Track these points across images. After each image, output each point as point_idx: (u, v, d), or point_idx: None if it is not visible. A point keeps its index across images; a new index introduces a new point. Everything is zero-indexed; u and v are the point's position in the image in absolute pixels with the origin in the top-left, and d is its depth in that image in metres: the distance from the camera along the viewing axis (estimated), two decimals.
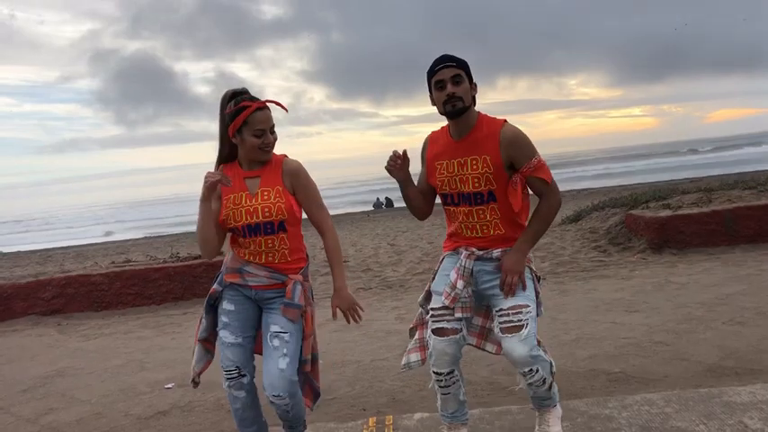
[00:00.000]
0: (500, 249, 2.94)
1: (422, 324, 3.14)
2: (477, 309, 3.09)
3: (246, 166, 2.91)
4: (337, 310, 2.98)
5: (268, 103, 2.84)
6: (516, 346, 2.78)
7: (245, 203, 2.85)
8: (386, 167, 3.02)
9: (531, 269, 3.00)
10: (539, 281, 3.05)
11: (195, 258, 9.03)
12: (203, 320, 3.03)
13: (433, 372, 2.98)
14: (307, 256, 3.03)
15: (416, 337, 3.15)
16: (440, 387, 3.02)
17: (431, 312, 2.99)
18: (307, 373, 3.02)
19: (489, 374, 4.39)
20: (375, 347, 5.36)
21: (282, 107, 2.91)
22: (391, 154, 2.98)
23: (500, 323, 2.85)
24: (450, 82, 2.84)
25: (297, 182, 2.92)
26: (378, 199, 33.76)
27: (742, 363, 4.12)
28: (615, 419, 3.30)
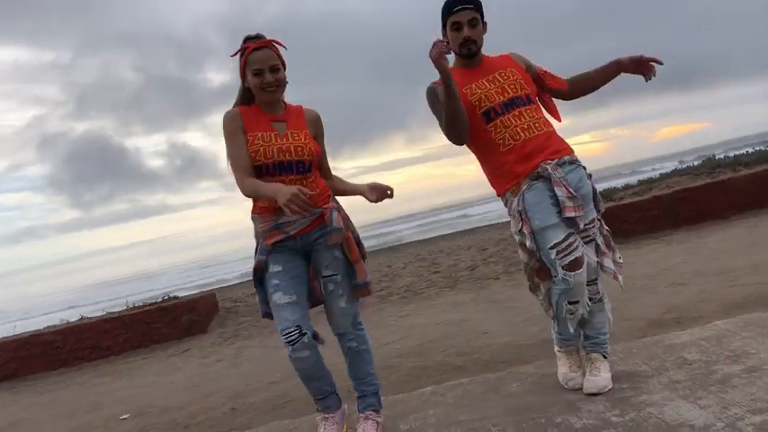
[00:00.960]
0: (567, 155, 2.94)
1: (541, 272, 2.98)
2: None
3: (268, 109, 2.90)
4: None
5: (269, 42, 2.84)
6: (590, 253, 2.93)
7: (276, 142, 2.81)
8: (435, 54, 2.72)
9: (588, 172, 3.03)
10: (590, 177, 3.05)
11: (151, 305, 8.89)
12: (259, 295, 2.92)
13: (568, 303, 2.92)
14: (330, 190, 3.02)
15: (543, 291, 3.08)
16: (571, 315, 2.98)
17: (555, 250, 2.79)
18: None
19: (443, 358, 4.41)
20: (333, 354, 5.33)
21: (280, 44, 2.88)
22: (435, 40, 2.75)
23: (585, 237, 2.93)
24: (467, 25, 2.92)
25: (318, 130, 3.01)
26: None
27: (683, 314, 4.23)
28: None
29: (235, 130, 2.82)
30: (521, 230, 2.94)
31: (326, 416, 3.00)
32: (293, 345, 2.75)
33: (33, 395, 6.87)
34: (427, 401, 3.35)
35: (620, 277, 3.07)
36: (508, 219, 3.07)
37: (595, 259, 2.95)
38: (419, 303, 6.91)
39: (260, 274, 2.90)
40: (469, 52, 2.97)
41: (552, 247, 2.80)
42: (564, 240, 2.79)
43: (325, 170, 3.07)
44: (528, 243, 2.90)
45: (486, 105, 2.94)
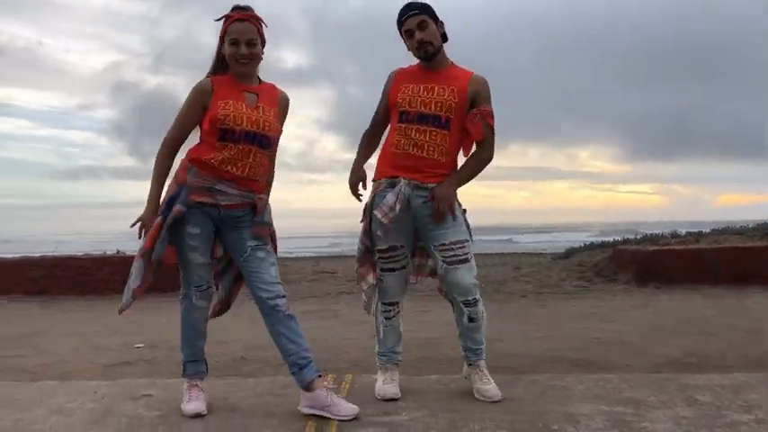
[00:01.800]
0: (435, 183, 3.07)
1: (369, 265, 3.24)
2: (412, 249, 3.26)
3: (240, 79, 2.95)
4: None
5: (251, 17, 2.91)
6: (465, 274, 3.06)
7: (247, 111, 2.88)
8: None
9: (458, 203, 3.17)
10: (464, 213, 3.21)
11: None
12: (160, 236, 2.86)
13: (383, 303, 3.24)
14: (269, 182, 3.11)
15: (371, 283, 3.24)
16: (385, 319, 3.26)
17: (378, 255, 3.18)
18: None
19: (452, 353, 4.41)
20: (346, 331, 5.41)
21: (262, 22, 2.95)
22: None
23: (445, 257, 3.06)
24: (417, 29, 3.04)
25: (284, 112, 3.08)
26: None
27: (704, 360, 4.15)
28: (570, 389, 3.31)
29: (195, 106, 2.91)
30: (362, 221, 3.23)
31: (195, 383, 3.08)
32: (200, 293, 3.00)
33: (59, 313, 7.12)
34: (430, 388, 3.37)
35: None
36: (552, 251, 3.24)
37: (470, 282, 3.07)
38: (442, 302, 6.85)
39: (174, 222, 2.85)
40: (427, 54, 3.07)
41: (378, 251, 3.17)
42: (387, 249, 3.14)
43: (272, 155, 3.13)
44: (361, 237, 3.23)
45: (405, 108, 3.09)
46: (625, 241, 10.37)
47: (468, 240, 3.10)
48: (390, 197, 3.04)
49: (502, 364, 4.16)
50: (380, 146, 3.30)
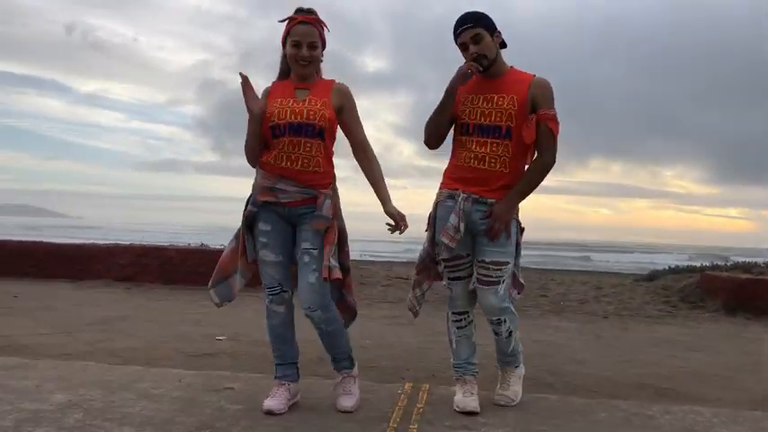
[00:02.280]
0: (494, 199, 3.07)
1: (427, 274, 3.32)
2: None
3: (296, 79, 3.06)
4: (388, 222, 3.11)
5: (314, 20, 2.98)
6: (490, 297, 3.11)
7: (292, 105, 2.97)
8: (463, 71, 3.04)
9: (517, 220, 3.17)
10: (521, 232, 3.22)
11: None
12: (247, 240, 3.08)
13: (453, 313, 3.30)
14: (335, 174, 3.12)
15: (424, 290, 3.37)
16: (457, 327, 3.30)
17: (444, 264, 3.21)
18: (340, 289, 3.16)
19: (533, 373, 4.32)
20: (424, 339, 5.37)
21: (325, 26, 3.04)
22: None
23: (479, 274, 3.12)
24: (471, 43, 3.03)
25: (345, 100, 3.07)
26: None
27: None
28: (656, 419, 3.18)
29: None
30: (426, 230, 3.28)
31: (282, 383, 3.13)
32: (272, 297, 3.06)
33: (144, 300, 7.38)
34: (508, 405, 3.30)
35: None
36: (634, 272, 3.15)
37: (494, 306, 3.11)
38: (521, 320, 6.75)
39: (249, 222, 3.06)
40: (482, 67, 3.04)
41: (442, 260, 3.20)
42: (452, 259, 3.17)
43: (358, 144, 3.14)
44: (425, 245, 3.26)
45: (464, 120, 3.10)
46: (714, 267, 9.90)
47: (508, 263, 3.11)
48: (453, 218, 3.06)
49: (583, 385, 4.04)
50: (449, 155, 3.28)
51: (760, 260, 10.06)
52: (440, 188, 3.23)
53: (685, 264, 11.51)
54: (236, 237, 3.16)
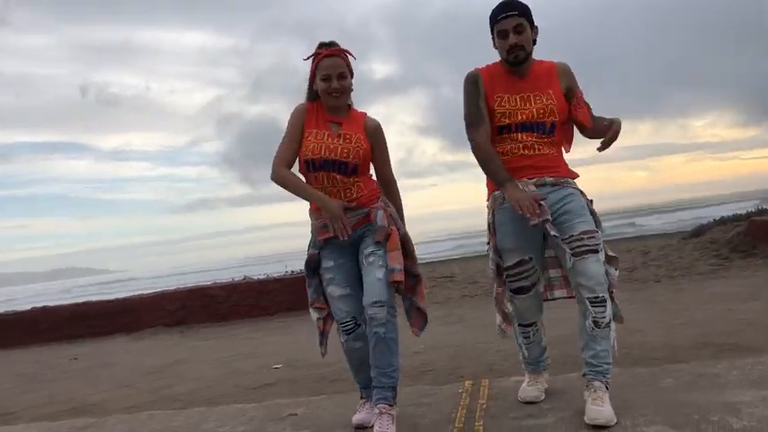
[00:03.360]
0: (553, 177, 2.93)
1: (501, 290, 3.10)
2: (542, 262, 3.08)
3: (329, 111, 3.06)
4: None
5: (340, 51, 3.01)
6: (593, 265, 2.79)
7: (328, 140, 2.98)
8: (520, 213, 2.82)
9: (581, 191, 2.99)
10: (591, 203, 3.01)
11: None
12: (310, 285, 3.12)
13: (520, 325, 3.14)
14: (380, 189, 3.11)
15: (510, 310, 3.12)
16: (525, 338, 3.16)
17: (506, 273, 3.02)
18: (411, 298, 3.09)
19: None
20: (476, 335, 5.36)
21: (350, 54, 3.06)
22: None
23: (574, 248, 2.81)
24: (512, 32, 2.89)
25: (377, 137, 3.08)
26: None
27: None
28: (723, 376, 3.11)
29: (296, 124, 3.04)
30: (488, 241, 3.10)
31: (367, 401, 3.10)
32: (349, 334, 3.00)
33: (197, 340, 7.50)
34: (572, 385, 3.25)
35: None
36: (679, 230, 3.02)
37: (600, 275, 2.80)
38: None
39: (313, 265, 3.08)
40: (517, 59, 2.93)
41: (505, 269, 3.02)
42: (515, 266, 2.99)
43: (383, 180, 3.14)
44: (491, 255, 3.07)
45: (506, 122, 2.95)
46: (761, 212, 9.69)
47: (597, 231, 2.87)
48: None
49: (644, 355, 3.99)
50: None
51: None
52: (490, 193, 3.07)
53: (731, 213, 11.22)
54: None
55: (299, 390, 4.29)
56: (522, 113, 2.94)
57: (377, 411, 2.89)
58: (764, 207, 10.45)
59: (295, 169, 3.06)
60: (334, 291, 3.03)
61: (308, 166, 3.00)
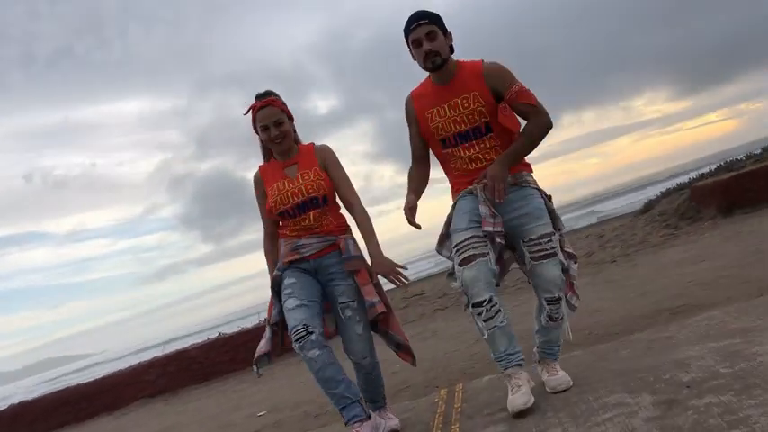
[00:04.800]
0: (510, 175, 2.92)
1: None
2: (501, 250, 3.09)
3: (281, 158, 3.19)
4: (377, 275, 3.11)
5: (271, 101, 3.13)
6: (551, 268, 2.92)
7: (289, 187, 3.10)
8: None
9: (539, 190, 3.04)
10: (550, 200, 3.08)
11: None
12: (274, 305, 3.13)
13: (473, 305, 2.87)
14: (347, 223, 3.23)
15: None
16: (484, 322, 2.87)
17: (455, 248, 2.93)
18: (387, 332, 3.20)
19: None
20: (448, 345, 5.49)
21: (279, 100, 3.16)
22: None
23: (533, 252, 2.92)
24: (425, 39, 2.94)
25: (329, 160, 3.19)
26: None
27: None
28: (675, 338, 3.30)
29: (259, 192, 3.22)
30: (442, 232, 3.09)
31: (357, 429, 2.92)
32: (300, 343, 2.87)
33: (182, 404, 7.49)
34: (536, 375, 3.40)
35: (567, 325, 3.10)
36: (630, 210, 3.10)
37: (557, 278, 2.93)
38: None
39: (276, 287, 3.12)
40: (434, 65, 2.97)
41: (454, 246, 2.95)
42: (465, 240, 2.90)
43: (344, 201, 3.18)
44: (443, 245, 3.08)
45: (443, 134, 3.02)
46: (701, 177, 10.07)
47: (554, 233, 2.96)
48: (483, 209, 2.90)
49: (604, 332, 4.17)
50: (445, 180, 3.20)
51: (740, 156, 10.23)
52: (453, 198, 3.10)
53: (675, 183, 11.63)
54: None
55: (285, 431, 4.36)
56: (454, 123, 2.98)
57: (376, 413, 3.23)
58: (702, 172, 10.84)
59: None
60: (290, 303, 2.99)
61: (282, 215, 3.12)
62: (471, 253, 2.87)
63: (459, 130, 2.99)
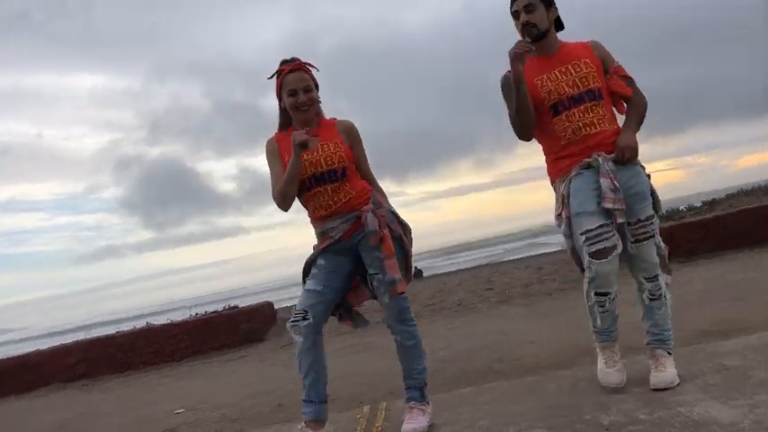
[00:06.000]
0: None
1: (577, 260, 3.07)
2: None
3: (301, 127, 3.06)
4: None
5: (302, 65, 3.05)
6: (649, 250, 2.97)
7: (307, 158, 3.00)
8: (512, 53, 2.88)
9: (644, 169, 3.02)
10: (649, 178, 3.05)
11: (212, 314, 9.21)
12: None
13: (598, 294, 2.94)
14: (369, 188, 3.14)
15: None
16: (600, 308, 3.00)
17: (585, 236, 2.84)
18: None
19: (486, 364, 4.46)
20: (379, 362, 5.46)
21: (312, 66, 3.10)
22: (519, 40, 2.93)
23: (637, 233, 2.94)
24: (523, 11, 2.99)
25: (352, 136, 3.14)
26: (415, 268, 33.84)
27: (733, 325, 4.15)
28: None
29: (274, 156, 3.09)
30: (560, 214, 3.01)
31: (308, 430, 2.98)
32: (293, 325, 2.97)
33: (100, 392, 7.25)
34: (463, 400, 3.40)
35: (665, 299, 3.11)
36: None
37: (655, 258, 2.99)
38: (470, 316, 6.95)
39: (307, 271, 3.10)
40: (530, 35, 2.98)
41: (583, 233, 2.85)
42: (596, 228, 2.82)
43: (365, 177, 3.17)
44: (563, 228, 2.99)
45: (555, 98, 2.98)
46: None
47: (654, 216, 2.99)
48: (605, 181, 2.83)
49: (534, 364, 4.20)
50: (545, 156, 3.14)
51: (682, 207, 10.54)
52: (560, 177, 3.02)
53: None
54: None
55: None
56: (568, 87, 2.97)
57: (407, 407, 3.09)
58: None
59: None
60: (310, 285, 3.03)
61: (302, 187, 3.03)
62: (604, 246, 2.82)
63: (573, 92, 2.96)
